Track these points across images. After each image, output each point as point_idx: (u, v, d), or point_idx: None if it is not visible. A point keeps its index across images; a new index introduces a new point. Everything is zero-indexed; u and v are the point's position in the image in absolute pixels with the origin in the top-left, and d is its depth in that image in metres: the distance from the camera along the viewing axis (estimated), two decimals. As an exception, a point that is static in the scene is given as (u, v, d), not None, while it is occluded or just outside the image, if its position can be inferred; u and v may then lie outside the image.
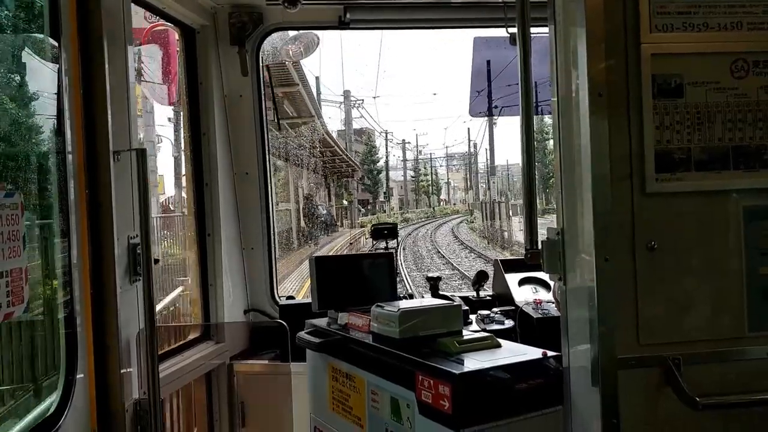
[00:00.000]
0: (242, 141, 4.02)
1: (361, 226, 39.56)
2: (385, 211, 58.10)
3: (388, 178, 64.77)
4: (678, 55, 1.85)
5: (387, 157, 65.15)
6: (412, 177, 72.20)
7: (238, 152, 4.02)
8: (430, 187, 76.94)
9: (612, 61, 1.82)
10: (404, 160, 71.27)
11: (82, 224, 2.31)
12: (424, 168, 77.06)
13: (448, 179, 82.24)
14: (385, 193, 62.83)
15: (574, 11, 1.87)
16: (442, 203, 77.63)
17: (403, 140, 71.63)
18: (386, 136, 63.96)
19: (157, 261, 2.82)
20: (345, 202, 44.42)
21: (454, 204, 79.12)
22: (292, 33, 5.04)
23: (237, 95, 3.97)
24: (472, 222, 50.17)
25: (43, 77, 2.35)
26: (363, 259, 3.36)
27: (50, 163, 2.36)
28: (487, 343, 2.33)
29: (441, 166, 79.88)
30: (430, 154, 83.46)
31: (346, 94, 51.04)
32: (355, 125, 54.13)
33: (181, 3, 3.50)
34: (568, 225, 1.94)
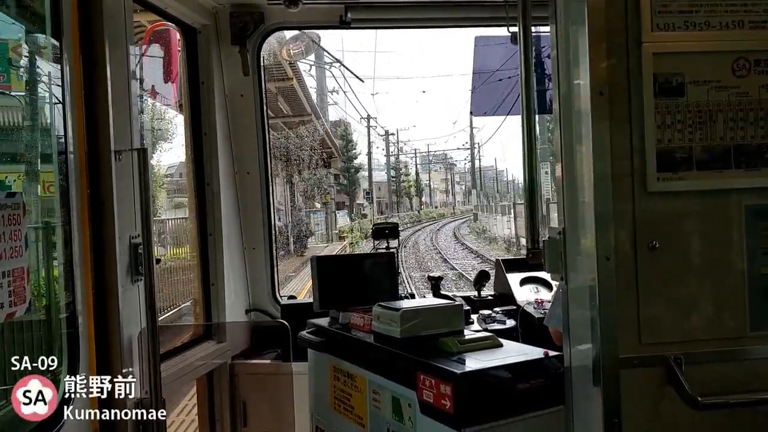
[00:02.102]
0: (243, 140, 4.02)
1: (341, 237, 32.14)
2: (366, 216, 48.28)
3: (371, 176, 53.64)
4: (679, 54, 1.84)
5: (370, 149, 53.11)
6: (393, 177, 62.35)
7: (239, 152, 4.03)
8: (412, 188, 68.11)
9: (613, 60, 1.81)
10: (388, 155, 61.05)
11: (83, 224, 2.32)
12: (405, 168, 68.02)
13: (429, 180, 74.65)
14: (367, 194, 52.21)
15: (575, 10, 1.87)
16: (423, 206, 68.75)
17: (387, 131, 59.50)
18: (368, 121, 51.80)
19: (158, 261, 2.83)
20: (318, 205, 34.42)
21: (436, 207, 72.02)
22: (292, 33, 5.04)
23: (238, 95, 3.97)
24: (484, 233, 39.25)
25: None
26: (364, 259, 3.36)
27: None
28: (489, 343, 2.33)
29: (416, 164, 71.11)
30: (415, 150, 72.97)
31: (318, 53, 41.94)
32: (332, 116, 44.28)
33: (183, 2, 3.50)
34: (569, 224, 1.93)
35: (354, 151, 49.53)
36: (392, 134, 60.93)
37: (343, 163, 45.09)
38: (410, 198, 67.56)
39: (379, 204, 58.31)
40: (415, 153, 70.59)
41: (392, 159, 62.41)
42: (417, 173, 70.17)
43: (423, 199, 71.76)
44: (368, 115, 51.93)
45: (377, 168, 58.78)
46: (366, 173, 53.30)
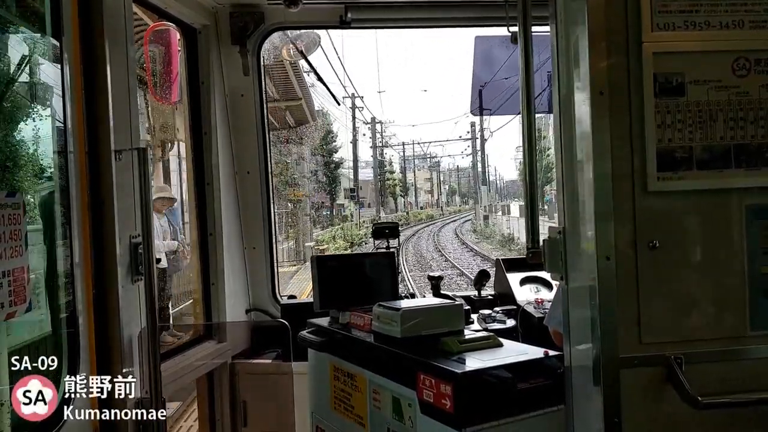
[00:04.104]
0: (243, 140, 4.03)
1: (322, 252, 21.08)
2: (347, 218, 41.10)
3: (356, 169, 44.39)
4: (679, 53, 1.84)
5: (355, 136, 43.49)
6: (378, 175, 53.04)
7: (239, 151, 4.03)
8: (398, 187, 60.01)
9: (613, 59, 1.81)
10: (374, 146, 50.94)
11: (83, 223, 2.32)
12: (390, 165, 60.26)
13: (414, 179, 67.63)
14: (352, 191, 43.59)
15: (575, 10, 1.87)
16: (409, 207, 61.12)
17: (373, 118, 49.87)
18: (353, 100, 42.09)
19: (159, 260, 2.82)
20: (290, 205, 25.55)
21: (422, 207, 65.99)
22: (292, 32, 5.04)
23: (238, 95, 3.98)
24: (511, 242, 29.05)
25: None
26: (364, 259, 3.36)
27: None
28: (489, 343, 2.33)
29: (404, 159, 62.75)
30: (403, 143, 61.87)
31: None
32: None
33: (183, 2, 3.51)
34: (569, 224, 1.93)
35: (334, 143, 41.71)
36: (379, 122, 51.78)
37: (322, 157, 38.49)
38: (395, 198, 61.20)
39: (362, 204, 49.08)
40: (403, 146, 62.26)
41: (380, 148, 53.34)
42: (404, 171, 63.89)
43: (408, 199, 65.61)
44: (353, 94, 42.92)
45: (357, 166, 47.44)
46: (345, 170, 45.41)
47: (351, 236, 30.70)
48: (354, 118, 43.58)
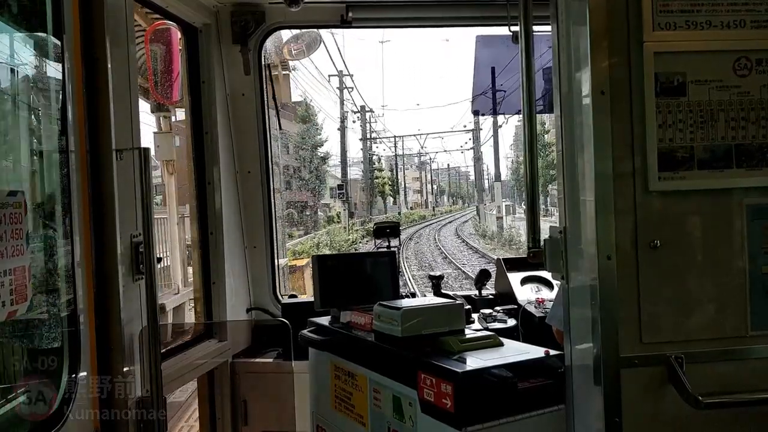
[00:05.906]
0: (244, 140, 4.03)
1: (293, 270, 14.13)
2: (340, 221, 36.25)
3: (345, 162, 39.57)
4: (681, 53, 1.84)
5: (343, 121, 38.51)
6: (369, 173, 48.23)
7: (240, 151, 4.03)
8: (387, 186, 55.28)
9: (615, 59, 1.81)
10: (364, 138, 45.42)
11: (84, 223, 2.32)
12: (379, 162, 54.93)
13: (404, 178, 63.27)
14: (340, 188, 37.94)
15: (576, 9, 1.87)
16: (399, 207, 57.01)
17: (362, 107, 44.12)
18: (341, 80, 36.96)
19: (160, 259, 2.82)
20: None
21: (411, 207, 63.69)
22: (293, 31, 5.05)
23: (239, 94, 3.98)
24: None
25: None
26: (365, 258, 3.37)
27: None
28: (490, 342, 2.33)
29: (396, 155, 57.66)
30: (394, 139, 56.99)
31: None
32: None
33: (184, 1, 3.51)
34: (570, 223, 1.94)
35: (319, 137, 37.25)
36: (371, 110, 46.59)
37: (305, 152, 34.01)
38: (384, 198, 56.47)
39: (348, 205, 42.24)
40: (395, 140, 56.83)
41: (366, 147, 47.87)
42: (396, 167, 59.47)
43: (399, 199, 60.92)
44: (341, 71, 37.34)
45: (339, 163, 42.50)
46: (330, 167, 40.80)
47: (338, 243, 27.58)
48: (342, 99, 38.81)
